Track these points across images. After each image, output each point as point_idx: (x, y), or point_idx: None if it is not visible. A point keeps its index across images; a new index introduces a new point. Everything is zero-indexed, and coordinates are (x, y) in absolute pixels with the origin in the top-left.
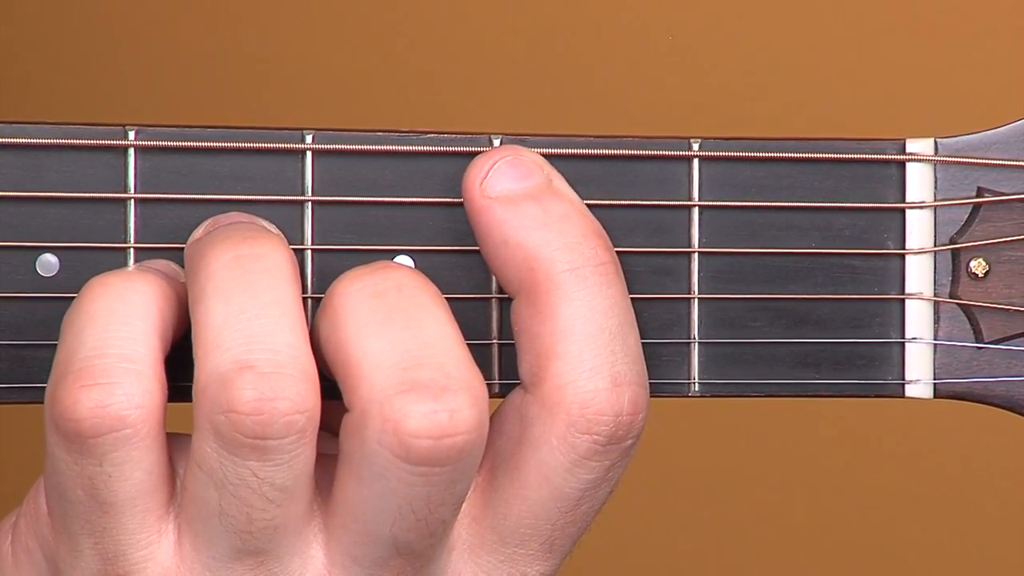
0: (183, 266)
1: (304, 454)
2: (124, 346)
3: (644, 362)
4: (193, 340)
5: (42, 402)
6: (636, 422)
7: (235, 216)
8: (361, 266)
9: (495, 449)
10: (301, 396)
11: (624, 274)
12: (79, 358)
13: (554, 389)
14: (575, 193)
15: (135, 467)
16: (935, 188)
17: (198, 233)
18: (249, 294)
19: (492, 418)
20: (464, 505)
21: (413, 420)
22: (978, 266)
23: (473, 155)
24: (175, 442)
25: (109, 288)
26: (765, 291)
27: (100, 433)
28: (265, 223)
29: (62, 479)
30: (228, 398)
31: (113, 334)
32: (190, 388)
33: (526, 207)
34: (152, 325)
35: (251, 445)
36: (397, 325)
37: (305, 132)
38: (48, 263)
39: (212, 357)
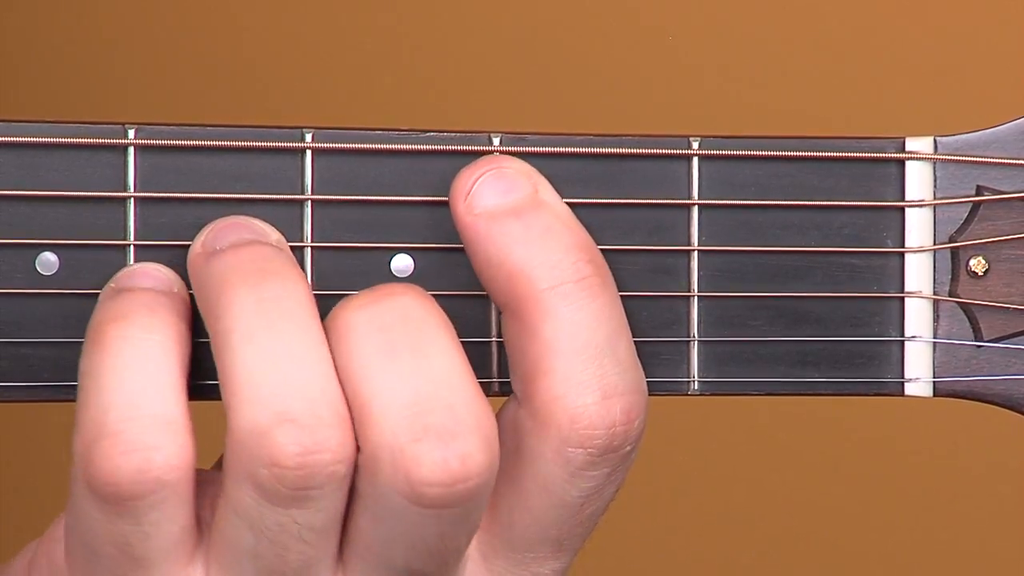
0: (181, 264)
1: (341, 496)
2: (155, 405)
3: (639, 367)
4: (221, 385)
5: (42, 401)
6: (631, 431)
7: (234, 222)
8: (365, 293)
9: None
10: (342, 445)
11: (624, 273)
12: (112, 419)
13: (543, 405)
14: (562, 202)
15: (171, 523)
16: (934, 186)
17: (198, 245)
18: (278, 341)
19: None
20: None
21: (425, 469)
22: (977, 264)
23: (473, 154)
24: (200, 481)
25: (130, 341)
26: (765, 290)
27: (141, 497)
28: (263, 224)
29: (92, 536)
30: (271, 452)
31: (141, 390)
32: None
33: (508, 224)
34: (176, 375)
35: (293, 496)
36: (404, 362)
37: (305, 131)
38: (48, 261)
39: (247, 409)
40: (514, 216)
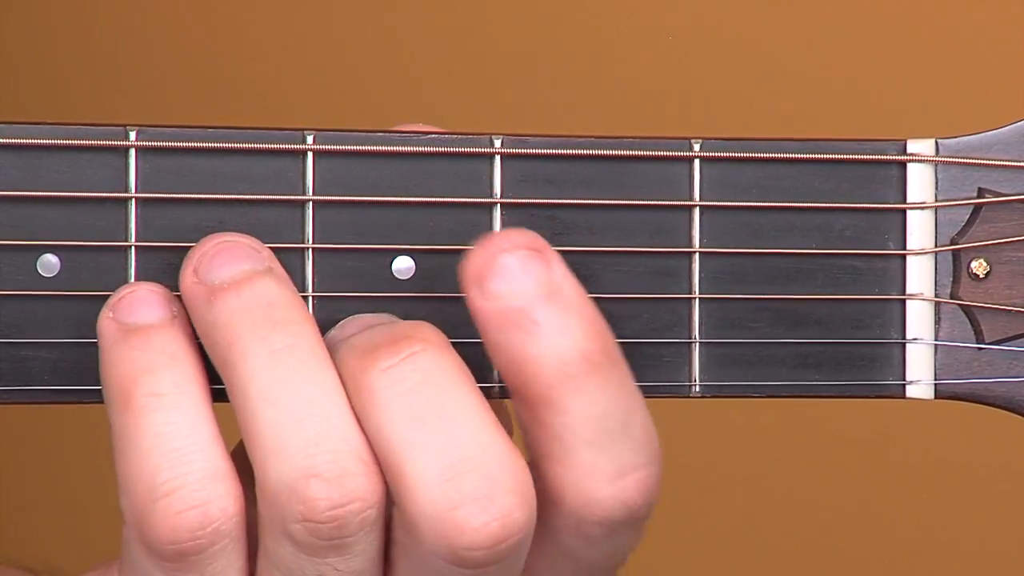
0: (182, 265)
1: (378, 537)
2: (202, 459)
3: (653, 436)
4: (244, 438)
5: (41, 403)
6: (650, 500)
7: (224, 246)
8: (382, 349)
9: None
10: (370, 491)
11: (625, 275)
12: (161, 480)
13: (556, 490)
14: (573, 281)
15: (231, 569)
16: (936, 189)
17: (190, 271)
18: (295, 396)
19: None
20: None
21: (466, 536)
22: (979, 267)
23: (474, 155)
24: None
25: (162, 400)
26: (766, 291)
27: (202, 551)
28: (251, 241)
29: None
30: (302, 509)
31: (185, 447)
32: None
33: (520, 317)
34: (212, 422)
35: (329, 546)
36: (433, 430)
37: (306, 132)
38: (49, 263)
39: (274, 466)
40: (528, 307)
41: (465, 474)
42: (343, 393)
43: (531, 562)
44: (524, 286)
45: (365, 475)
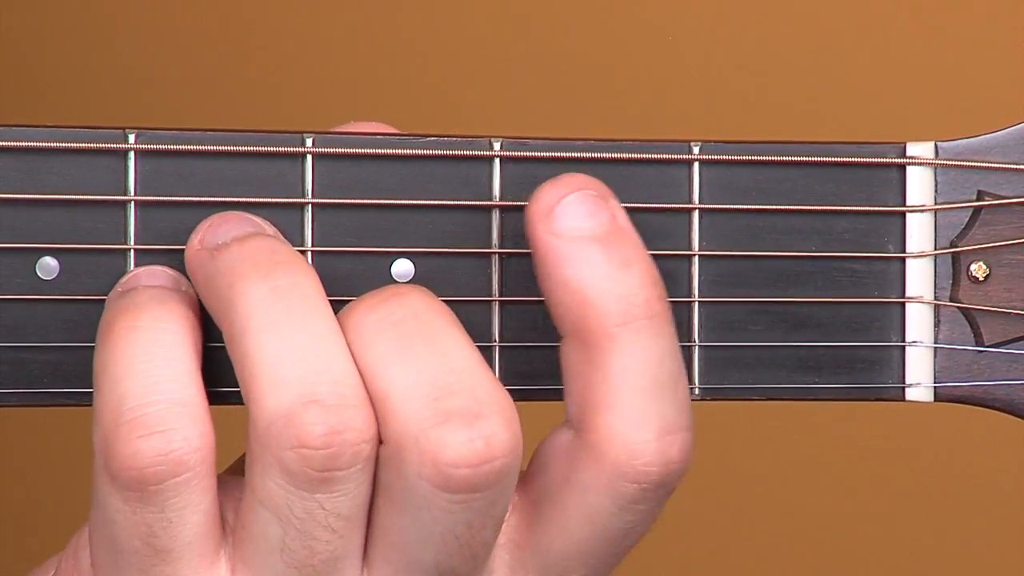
0: (182, 269)
1: (367, 481)
2: (173, 390)
3: (691, 406)
4: (240, 376)
5: (40, 406)
6: (685, 467)
7: (230, 216)
8: (371, 294)
9: (541, 485)
10: (366, 425)
11: None
12: (128, 408)
13: (603, 439)
14: (634, 229)
15: (195, 510)
16: (935, 191)
17: (196, 241)
18: (298, 327)
19: (537, 454)
20: (508, 530)
21: (451, 451)
22: (978, 269)
23: (473, 158)
24: (220, 484)
25: (140, 331)
26: (765, 294)
27: (162, 480)
28: (258, 219)
29: (117, 530)
30: (297, 434)
31: (158, 378)
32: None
33: (589, 252)
34: (191, 363)
35: (321, 478)
36: (420, 354)
37: (305, 135)
38: (48, 266)
39: (272, 394)
40: (597, 243)
41: (452, 394)
42: (342, 333)
43: (547, 527)
44: (595, 221)
45: (363, 409)
